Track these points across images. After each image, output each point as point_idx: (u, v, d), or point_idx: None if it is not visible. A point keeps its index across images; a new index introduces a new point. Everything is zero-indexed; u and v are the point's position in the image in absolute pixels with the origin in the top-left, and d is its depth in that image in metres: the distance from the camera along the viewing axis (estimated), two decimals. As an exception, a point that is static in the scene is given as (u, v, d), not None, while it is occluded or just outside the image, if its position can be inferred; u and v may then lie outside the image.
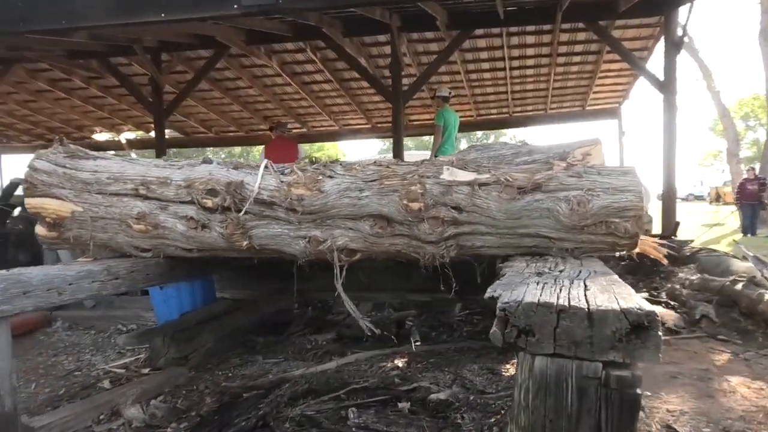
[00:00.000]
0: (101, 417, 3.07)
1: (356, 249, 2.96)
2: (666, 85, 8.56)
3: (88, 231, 3.18)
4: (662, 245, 3.25)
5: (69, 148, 3.32)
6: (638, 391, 1.55)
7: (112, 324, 5.31)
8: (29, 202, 3.16)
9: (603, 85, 12.91)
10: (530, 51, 11.02)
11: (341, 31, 9.63)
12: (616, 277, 2.19)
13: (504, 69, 11.64)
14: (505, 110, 14.37)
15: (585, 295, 1.73)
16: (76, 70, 11.38)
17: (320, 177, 2.92)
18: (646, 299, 5.48)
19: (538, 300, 1.63)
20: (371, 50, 10.88)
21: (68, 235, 3.22)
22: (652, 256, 3.28)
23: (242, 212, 2.94)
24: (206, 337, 4.10)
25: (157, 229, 3.11)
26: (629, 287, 1.93)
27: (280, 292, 4.28)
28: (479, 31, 10.15)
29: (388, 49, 10.22)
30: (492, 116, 14.82)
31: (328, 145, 53.43)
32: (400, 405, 3.09)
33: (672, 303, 5.18)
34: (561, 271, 2.31)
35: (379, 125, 15.24)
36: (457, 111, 14.17)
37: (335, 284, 3.00)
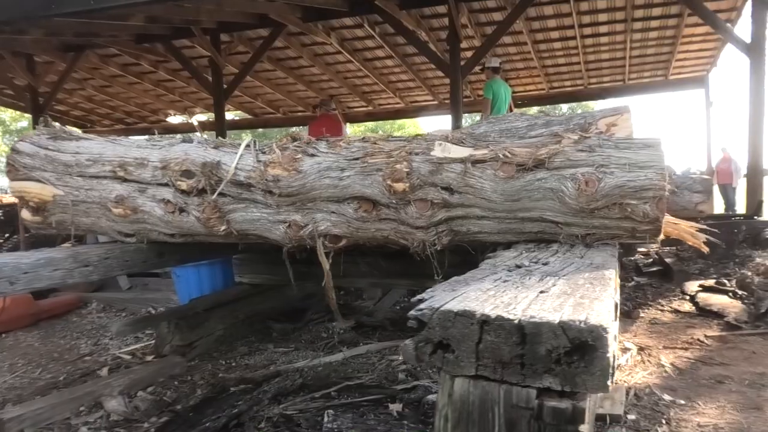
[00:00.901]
0: (81, 409, 2.98)
1: (340, 235, 2.68)
2: (753, 47, 7.67)
3: (70, 215, 3.08)
4: (702, 231, 2.77)
5: (53, 129, 3.21)
6: (582, 429, 1.20)
7: (144, 306, 5.31)
8: (12, 186, 3.09)
9: (687, 51, 11.87)
10: (602, 17, 10.24)
11: (397, 3, 9.27)
12: (607, 273, 1.80)
13: (575, 38, 10.89)
14: (579, 82, 13.55)
15: (532, 301, 1.38)
16: (143, 54, 11.60)
17: (299, 156, 2.65)
18: (711, 287, 4.90)
19: (460, 307, 1.29)
20: (432, 23, 10.43)
21: (51, 219, 3.14)
22: (690, 244, 2.81)
23: (215, 194, 2.72)
24: (214, 324, 3.96)
25: (136, 213, 2.96)
26: (607, 290, 1.55)
27: (304, 277, 4.05)
28: (546, -3, 9.53)
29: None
30: (566, 89, 14.01)
31: (408, 123, 53.28)
32: (391, 406, 2.82)
33: (740, 292, 4.59)
34: (545, 264, 1.94)
35: (446, 101, 14.74)
36: (527, 84, 13.60)
37: (324, 272, 2.74)
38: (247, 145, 2.79)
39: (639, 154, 2.37)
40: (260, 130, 24.93)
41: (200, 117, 16.74)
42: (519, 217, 2.48)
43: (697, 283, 5.16)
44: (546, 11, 10.07)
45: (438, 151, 2.54)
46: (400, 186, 2.49)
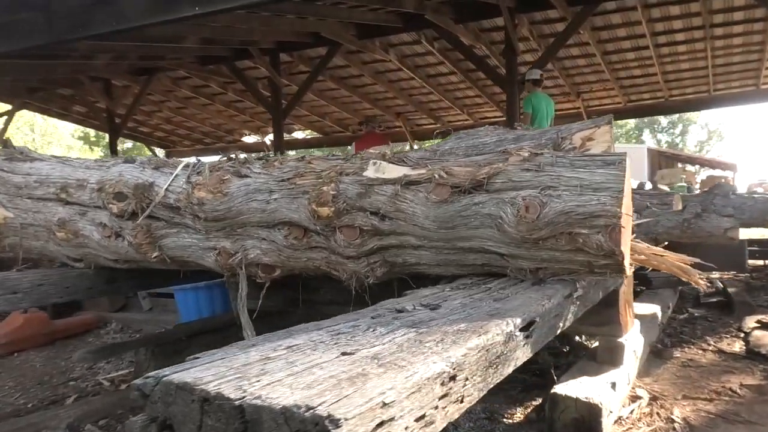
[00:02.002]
0: (19, 443, 2.87)
1: (271, 264, 2.42)
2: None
3: (20, 238, 3.00)
4: (694, 265, 2.30)
5: (10, 150, 3.17)
6: None
7: (158, 327, 5.26)
8: (-33, 209, 3.07)
9: (780, 58, 10.81)
10: (677, 24, 9.48)
11: (452, 17, 8.98)
12: (492, 325, 1.43)
13: (648, 47, 10.14)
14: (659, 95, 12.65)
15: (306, 369, 1.06)
16: (211, 76, 11.90)
17: (227, 177, 2.43)
18: (757, 323, 4.25)
19: (182, 378, 0.99)
20: (493, 36, 10.05)
21: (5, 242, 3.08)
22: (684, 279, 2.34)
23: (140, 218, 2.54)
24: (196, 351, 3.77)
25: (77, 237, 2.83)
26: (448, 352, 1.20)
27: (295, 304, 3.83)
28: (611, 5, 8.92)
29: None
30: (645, 102, 13.13)
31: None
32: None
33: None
34: (435, 308, 1.58)
35: (520, 116, 14.21)
36: (602, 98, 12.86)
37: (240, 297, 2.50)
38: (186, 166, 2.61)
39: (595, 174, 1.96)
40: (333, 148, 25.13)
41: (272, 137, 17.00)
42: (458, 248, 2.13)
43: (758, 318, 4.51)
44: (614, 20, 9.45)
45: (371, 171, 2.24)
46: (324, 211, 2.20)
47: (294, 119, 15.00)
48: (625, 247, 1.97)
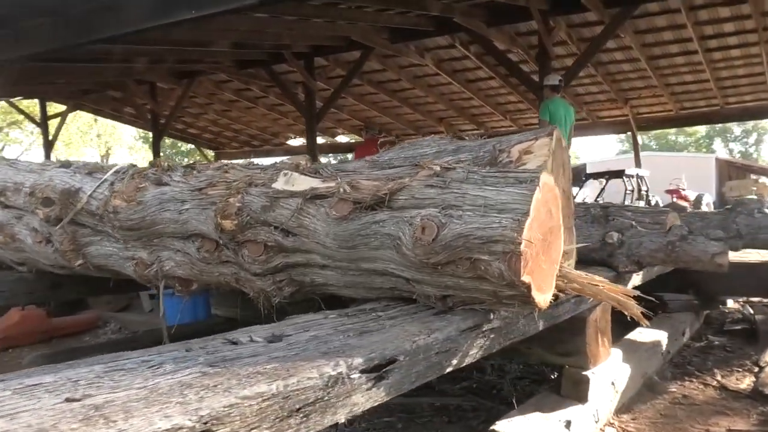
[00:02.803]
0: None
1: (184, 277, 2.30)
2: None
3: (-34, 241, 2.99)
4: (639, 298, 2.02)
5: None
6: None
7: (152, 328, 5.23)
8: None
9: None
10: (728, 27, 8.91)
11: (483, 20, 8.72)
12: (331, 365, 1.25)
13: (697, 52, 9.57)
14: (714, 102, 11.95)
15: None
16: (251, 79, 12.00)
17: (144, 185, 2.31)
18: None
19: None
20: (531, 39, 9.71)
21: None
22: (627, 313, 2.06)
23: (59, 225, 2.46)
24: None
25: (14, 241, 2.79)
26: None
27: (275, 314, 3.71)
28: (653, 7, 8.47)
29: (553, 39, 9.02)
30: (699, 110, 12.43)
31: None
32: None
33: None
34: (270, 342, 1.41)
35: (563, 124, 13.74)
36: (652, 105, 12.28)
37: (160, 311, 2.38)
38: (116, 171, 2.52)
39: (502, 193, 1.74)
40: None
41: (318, 140, 17.01)
42: (363, 269, 1.94)
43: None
44: (658, 23, 8.97)
45: (280, 183, 2.08)
46: (228, 224, 2.06)
47: (337, 123, 15.00)
48: (536, 276, 1.74)
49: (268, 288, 2.07)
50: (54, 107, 14.59)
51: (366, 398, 1.36)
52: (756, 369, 3.95)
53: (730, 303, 5.55)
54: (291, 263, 2.05)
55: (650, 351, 3.80)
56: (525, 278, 1.67)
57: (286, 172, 2.08)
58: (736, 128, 52.14)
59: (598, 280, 2.00)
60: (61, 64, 9.22)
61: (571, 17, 8.92)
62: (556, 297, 2.31)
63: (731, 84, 11.06)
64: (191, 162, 2.45)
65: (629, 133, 13.62)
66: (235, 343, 1.39)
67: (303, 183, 2.04)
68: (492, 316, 1.87)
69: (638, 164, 12.77)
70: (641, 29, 9.21)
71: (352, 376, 1.31)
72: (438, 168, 1.88)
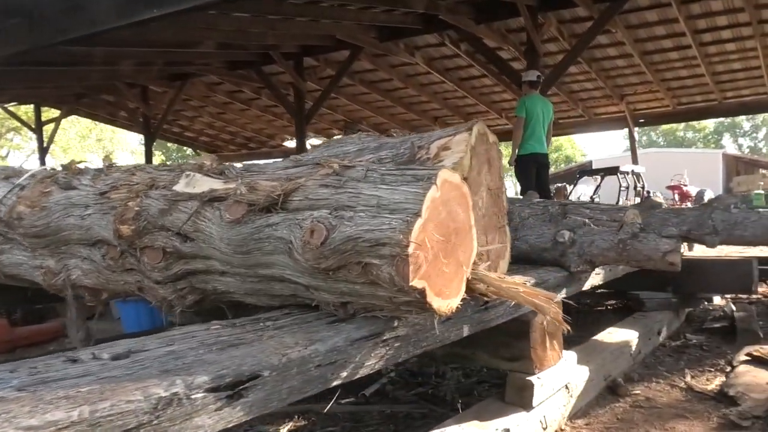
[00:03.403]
0: None
1: (91, 286, 2.19)
2: None
3: None
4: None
5: None
6: None
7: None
8: None
9: None
10: (722, 20, 8.72)
11: (472, 17, 8.59)
12: (163, 386, 1.15)
13: (691, 46, 9.39)
14: (712, 97, 11.75)
15: None
16: (242, 80, 11.93)
17: (49, 189, 2.22)
18: (761, 358, 3.70)
19: None
20: (522, 36, 9.55)
21: None
22: (552, 317, 1.94)
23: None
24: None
25: (-65, 248, 2.71)
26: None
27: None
28: (644, 1, 8.31)
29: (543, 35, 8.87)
30: (697, 104, 12.23)
31: (566, 145, 50.80)
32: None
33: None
34: (115, 359, 1.30)
35: (560, 121, 13.57)
36: (649, 101, 12.09)
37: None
38: (32, 175, 2.42)
39: (396, 192, 1.62)
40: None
41: (315, 141, 16.93)
42: (261, 275, 1.83)
43: (755, 348, 3.94)
44: (649, 17, 8.81)
45: (181, 185, 1.97)
46: (125, 229, 1.95)
47: (332, 124, 14.91)
48: (435, 280, 1.62)
49: (170, 296, 1.97)
50: (52, 113, 14.61)
51: (216, 419, 1.25)
52: (728, 369, 3.80)
53: (717, 300, 5.39)
54: (191, 270, 1.94)
55: (617, 352, 3.66)
56: (416, 283, 1.55)
57: (188, 173, 1.97)
58: (745, 123, 51.57)
59: (517, 283, 1.87)
60: (46, 68, 9.19)
61: (561, 13, 8.79)
62: (486, 301, 2.20)
63: (728, 78, 10.86)
64: (108, 164, 2.34)
65: (637, 129, 13.46)
66: (75, 361, 1.29)
67: (204, 184, 1.94)
68: (396, 324, 1.76)
69: (635, 161, 12.59)
70: (633, 24, 9.05)
71: (193, 397, 1.20)
72: (337, 166, 1.76)
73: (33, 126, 14.39)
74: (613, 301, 5.36)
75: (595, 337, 3.91)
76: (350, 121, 10.72)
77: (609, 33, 9.07)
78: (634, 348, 3.90)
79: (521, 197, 4.03)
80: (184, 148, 32.10)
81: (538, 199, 5.03)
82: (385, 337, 1.72)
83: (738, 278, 4.72)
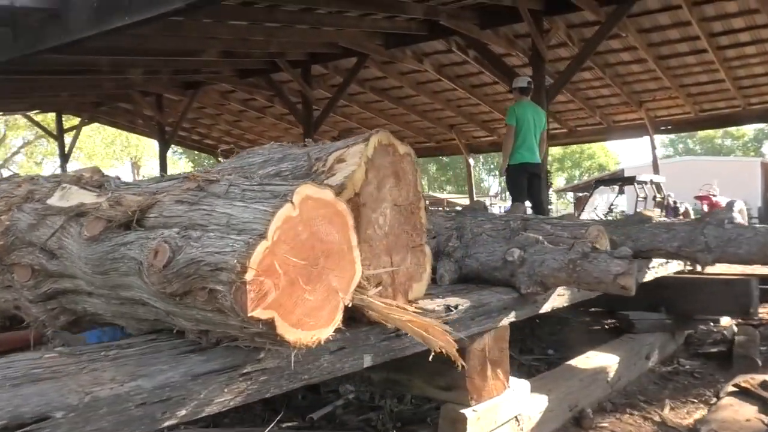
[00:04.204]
0: None
1: (-23, 304, 2.07)
2: None
3: None
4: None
5: None
6: None
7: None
8: None
9: None
10: (738, 22, 8.33)
11: (476, 23, 8.38)
12: None
13: (707, 50, 9.02)
14: (735, 103, 11.27)
15: None
16: (253, 88, 11.90)
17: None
18: (747, 389, 3.40)
19: None
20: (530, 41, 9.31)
21: None
22: (445, 353, 1.73)
23: None
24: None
25: None
26: None
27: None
28: (654, 3, 8.00)
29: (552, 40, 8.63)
30: (720, 111, 11.75)
31: (599, 153, 49.88)
32: None
33: None
34: None
35: (578, 129, 13.24)
36: (670, 107, 11.69)
37: None
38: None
39: (248, 210, 1.45)
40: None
41: None
42: (123, 298, 1.67)
43: (744, 378, 3.65)
44: (661, 20, 8.48)
45: (55, 198, 1.83)
46: (-6, 245, 1.82)
47: (346, 132, 14.77)
48: (293, 309, 1.45)
49: (42, 316, 1.82)
50: (74, 120, 14.81)
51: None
52: (713, 400, 3.52)
53: (726, 320, 5.03)
54: (60, 289, 1.80)
55: (589, 379, 3.42)
56: (260, 314, 1.38)
57: (64, 185, 1.83)
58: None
59: (405, 311, 1.68)
60: (55, 76, 9.27)
61: (569, 17, 8.52)
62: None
63: (750, 84, 10.41)
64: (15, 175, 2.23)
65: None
66: None
67: (76, 198, 1.79)
68: (262, 355, 1.58)
69: (656, 170, 12.18)
70: (645, 28, 8.72)
71: None
72: (201, 180, 1.60)
73: (54, 133, 14.59)
74: (613, 321, 5.07)
75: (569, 362, 3.67)
76: (344, 131, 10.57)
77: (619, 37, 8.76)
78: (612, 374, 3.64)
79: (467, 210, 3.81)
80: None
81: (525, 213, 4.80)
82: (246, 371, 1.55)
83: (735, 299, 4.41)
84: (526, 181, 6.17)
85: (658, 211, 9.92)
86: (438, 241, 2.94)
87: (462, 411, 2.41)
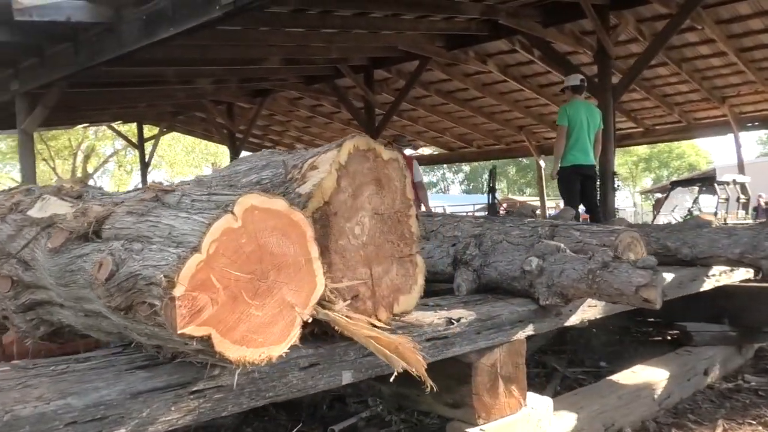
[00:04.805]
0: None
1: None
2: None
3: None
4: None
5: None
6: None
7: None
8: None
9: None
10: (829, 8, 7.65)
11: (538, 20, 8.11)
12: None
13: (795, 39, 8.34)
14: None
15: None
16: (319, 95, 12.03)
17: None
18: None
19: None
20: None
21: None
22: (413, 371, 1.60)
23: None
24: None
25: None
26: None
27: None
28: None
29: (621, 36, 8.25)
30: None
31: (689, 151, 47.48)
32: None
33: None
34: None
35: (656, 127, 12.57)
36: (757, 102, 10.93)
37: None
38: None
39: (189, 221, 1.38)
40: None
41: (426, 150, 16.65)
42: (87, 310, 1.65)
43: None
44: (741, 10, 7.90)
45: (35, 209, 1.85)
46: (-20, 256, 1.86)
47: (416, 136, 14.69)
48: (235, 327, 1.38)
49: (24, 327, 1.84)
50: (155, 130, 15.49)
51: None
52: None
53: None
54: (37, 300, 1.81)
55: (629, 396, 3.17)
56: (193, 330, 1.31)
57: (45, 196, 1.84)
58: None
59: (370, 327, 1.58)
60: (128, 88, 9.69)
61: (639, 11, 8.11)
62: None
63: None
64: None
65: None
66: None
67: (53, 209, 1.80)
68: (218, 371, 1.52)
69: (741, 170, 11.37)
70: (724, 19, 8.17)
71: None
72: (157, 191, 1.56)
73: (135, 143, 15.31)
74: (675, 332, 4.73)
75: (611, 377, 3.42)
76: (399, 134, 10.43)
77: (695, 30, 8.25)
78: (660, 391, 3.37)
79: (515, 214, 3.62)
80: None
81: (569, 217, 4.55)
82: (197, 388, 1.49)
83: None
84: (578, 185, 5.87)
85: (725, 213, 9.23)
86: (456, 249, 2.80)
87: (468, 430, 2.26)
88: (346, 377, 1.85)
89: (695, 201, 10.59)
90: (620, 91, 7.71)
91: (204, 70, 9.29)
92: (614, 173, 7.55)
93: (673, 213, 11.10)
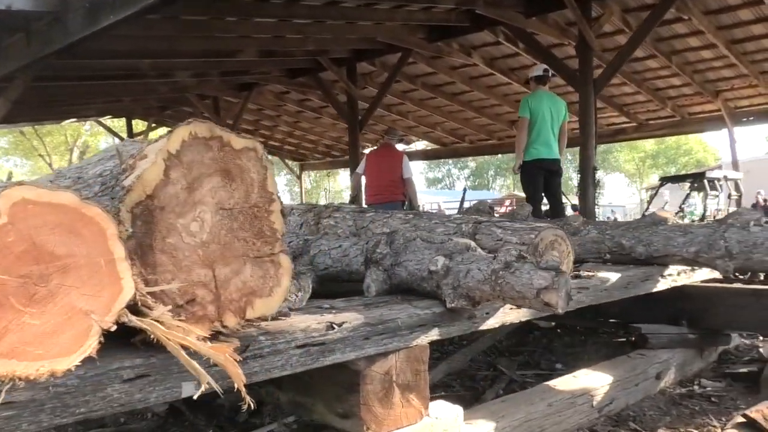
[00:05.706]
0: None
1: None
2: None
3: None
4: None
5: None
6: None
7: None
8: None
9: None
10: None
11: (520, 10, 7.89)
12: None
13: (785, 30, 8.08)
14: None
15: None
16: (303, 88, 11.84)
17: None
18: (755, 422, 2.86)
19: None
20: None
21: None
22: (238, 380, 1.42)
23: None
24: None
25: None
26: None
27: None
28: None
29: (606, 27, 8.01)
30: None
31: (697, 147, 47.01)
32: None
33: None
34: None
35: (649, 122, 12.31)
36: (751, 96, 10.66)
37: None
38: None
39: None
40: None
41: (419, 145, 16.46)
42: None
43: (758, 408, 3.08)
44: (730, 0, 7.64)
45: None
46: None
47: (407, 130, 14.48)
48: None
49: None
50: (143, 125, 15.38)
51: None
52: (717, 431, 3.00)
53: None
54: None
55: (562, 403, 2.97)
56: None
57: None
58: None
59: (183, 336, 1.40)
60: (109, 82, 9.55)
61: (624, 1, 7.88)
62: (246, 347, 1.74)
63: None
64: None
65: None
66: None
67: None
68: (9, 385, 1.34)
69: (735, 166, 11.10)
70: (712, 9, 7.91)
71: None
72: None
73: (123, 138, 15.19)
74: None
75: (548, 382, 3.23)
76: (391, 128, 10.20)
77: (683, 21, 8.00)
78: (600, 397, 3.17)
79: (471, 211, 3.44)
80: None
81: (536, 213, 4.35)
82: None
83: (765, 313, 3.79)
84: (542, 180, 5.65)
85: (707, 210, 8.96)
86: (366, 247, 2.62)
87: (354, 444, 2.08)
88: (188, 389, 1.66)
89: (686, 198, 10.32)
90: (601, 84, 7.49)
91: (179, 62, 9.12)
92: (594, 168, 7.34)
93: (663, 210, 10.85)
